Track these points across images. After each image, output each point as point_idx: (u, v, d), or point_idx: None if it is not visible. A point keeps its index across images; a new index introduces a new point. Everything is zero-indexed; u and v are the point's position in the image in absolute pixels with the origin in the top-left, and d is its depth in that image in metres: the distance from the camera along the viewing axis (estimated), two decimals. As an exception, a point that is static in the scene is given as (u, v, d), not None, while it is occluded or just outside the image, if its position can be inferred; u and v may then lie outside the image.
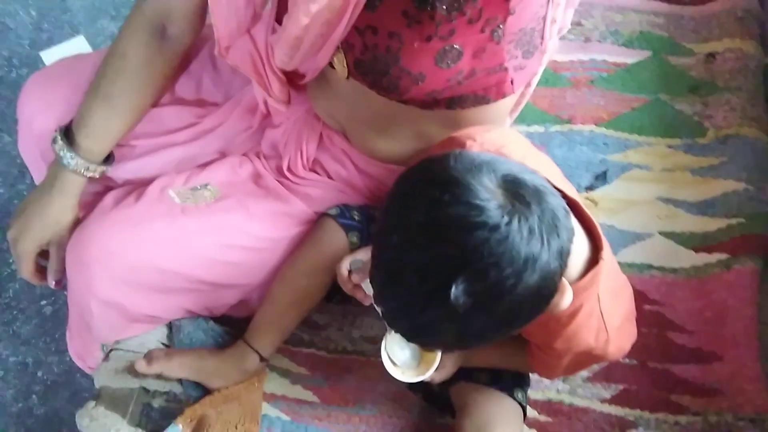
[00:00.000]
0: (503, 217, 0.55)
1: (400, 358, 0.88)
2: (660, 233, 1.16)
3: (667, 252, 1.14)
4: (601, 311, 0.74)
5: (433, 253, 0.56)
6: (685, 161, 1.21)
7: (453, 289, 0.55)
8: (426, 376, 0.86)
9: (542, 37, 0.78)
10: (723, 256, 1.11)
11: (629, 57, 1.30)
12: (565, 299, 0.63)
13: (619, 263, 1.12)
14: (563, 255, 0.60)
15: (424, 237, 0.57)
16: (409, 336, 0.66)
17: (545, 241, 0.57)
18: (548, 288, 0.60)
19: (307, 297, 0.97)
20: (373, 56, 0.73)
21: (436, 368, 0.87)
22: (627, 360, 1.06)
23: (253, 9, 0.78)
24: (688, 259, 1.13)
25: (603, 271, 0.71)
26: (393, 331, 0.88)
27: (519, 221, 0.56)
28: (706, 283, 1.10)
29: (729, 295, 1.08)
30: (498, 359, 0.94)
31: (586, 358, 0.80)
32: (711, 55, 1.29)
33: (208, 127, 0.97)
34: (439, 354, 0.86)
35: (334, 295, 1.03)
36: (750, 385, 1.01)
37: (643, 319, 1.08)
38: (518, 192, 0.57)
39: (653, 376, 1.06)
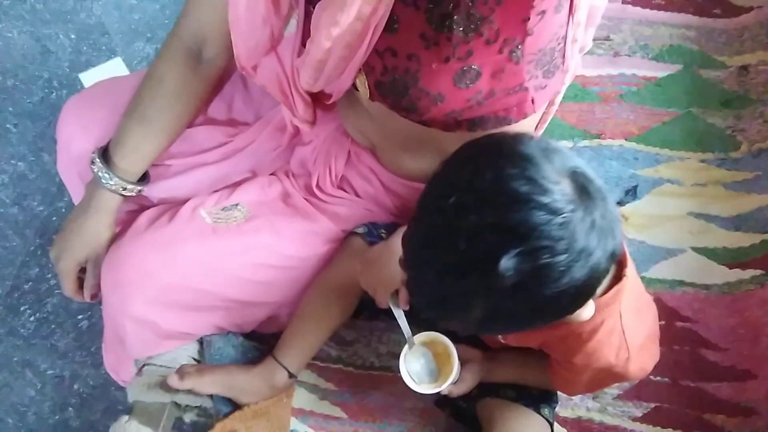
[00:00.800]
0: (567, 204, 0.55)
1: (418, 371, 0.89)
2: (692, 249, 1.14)
3: (699, 268, 1.13)
4: (623, 328, 0.74)
5: (490, 221, 0.55)
6: (718, 175, 1.19)
7: (503, 260, 0.53)
8: (443, 388, 0.87)
9: (563, 57, 0.78)
10: (757, 272, 1.09)
11: (659, 71, 1.29)
12: (587, 311, 0.63)
13: (651, 279, 1.12)
14: (614, 258, 0.60)
15: (486, 204, 0.56)
16: (434, 305, 0.63)
17: (603, 239, 0.57)
18: (589, 288, 0.60)
19: (335, 315, 0.98)
20: (392, 78, 0.74)
21: (455, 382, 0.87)
22: (659, 378, 1.05)
23: (270, 29, 0.79)
24: (721, 275, 1.11)
25: (626, 289, 0.70)
26: (412, 346, 0.88)
27: (583, 212, 0.56)
28: (740, 300, 1.08)
29: (763, 312, 1.06)
30: (519, 374, 0.94)
31: (607, 375, 0.79)
32: (744, 68, 1.27)
33: (239, 146, 0.99)
34: (456, 367, 0.86)
35: (362, 311, 1.04)
36: (786, 405, 0.99)
37: (675, 336, 1.08)
38: (585, 186, 0.58)
39: (686, 394, 1.04)
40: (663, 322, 1.08)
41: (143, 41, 1.55)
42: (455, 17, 0.66)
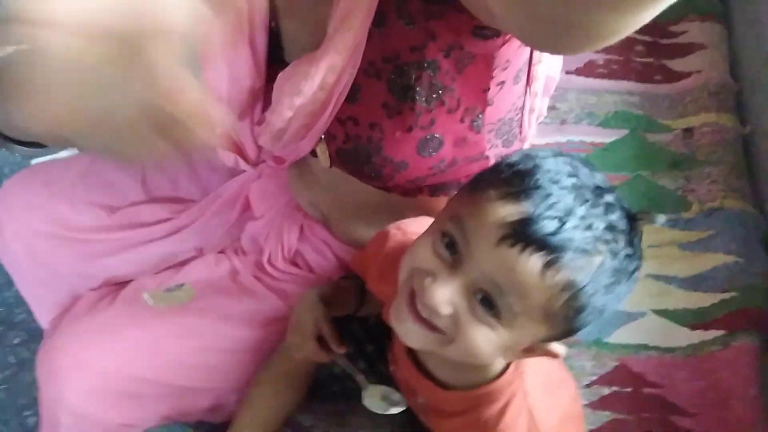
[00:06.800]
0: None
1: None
2: (653, 311, 1.12)
3: (662, 331, 1.11)
4: (530, 409, 0.69)
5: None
6: (672, 236, 1.19)
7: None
8: None
9: (521, 126, 0.79)
10: (719, 332, 1.08)
11: (606, 136, 1.31)
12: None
13: (614, 345, 1.09)
14: None
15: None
16: None
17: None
18: None
19: (287, 399, 0.93)
20: (355, 146, 0.74)
21: None
22: (630, 450, 1.01)
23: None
24: (684, 337, 1.09)
25: (527, 365, 0.68)
26: (366, 387, 0.82)
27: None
28: (705, 362, 1.06)
29: (730, 374, 1.03)
30: None
31: None
32: (688, 130, 1.30)
33: (185, 223, 0.97)
34: None
35: (317, 392, 0.99)
36: (761, 471, 0.96)
37: (643, 403, 1.04)
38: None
39: (659, 465, 1.00)
40: (630, 389, 1.05)
41: (99, 127, 1.55)
42: (417, 88, 0.67)
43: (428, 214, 0.82)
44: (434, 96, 0.68)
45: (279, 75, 0.69)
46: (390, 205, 0.83)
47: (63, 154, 1.48)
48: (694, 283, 1.14)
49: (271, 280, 0.97)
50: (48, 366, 0.86)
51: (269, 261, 0.97)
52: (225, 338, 0.90)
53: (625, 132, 1.31)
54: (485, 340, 0.59)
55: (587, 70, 1.40)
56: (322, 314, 0.81)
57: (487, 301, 0.58)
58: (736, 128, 1.29)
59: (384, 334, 0.88)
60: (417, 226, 0.78)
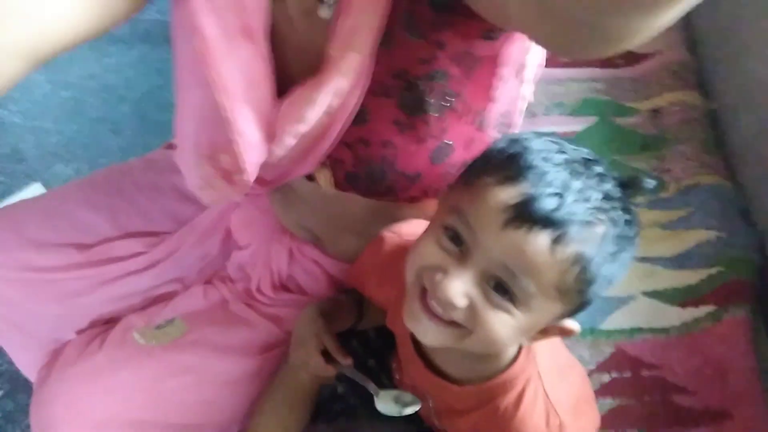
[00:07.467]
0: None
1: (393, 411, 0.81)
2: (643, 294, 1.13)
3: (654, 312, 1.11)
4: (546, 391, 0.69)
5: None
6: (653, 217, 1.20)
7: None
8: None
9: (512, 116, 0.80)
10: (710, 308, 1.09)
11: (577, 125, 1.32)
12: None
13: (609, 331, 1.10)
14: None
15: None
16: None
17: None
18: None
19: (290, 425, 0.91)
20: (368, 167, 0.72)
21: None
22: (635, 432, 1.01)
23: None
24: (676, 316, 1.10)
25: (537, 348, 0.68)
26: (378, 393, 0.80)
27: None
28: (700, 339, 1.07)
29: (725, 348, 1.05)
30: None
31: None
32: (655, 111, 1.32)
33: (161, 256, 0.95)
34: None
35: (319, 414, 0.97)
36: (767, 441, 0.97)
37: (643, 386, 1.05)
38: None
39: (666, 446, 1.00)
40: (629, 374, 1.06)
41: (63, 163, 1.51)
42: (431, 100, 0.66)
43: (428, 215, 0.81)
44: (445, 104, 0.68)
45: (285, 102, 0.66)
46: (387, 213, 0.81)
47: (29, 194, 1.44)
48: (679, 261, 1.15)
49: (263, 307, 0.95)
50: (42, 418, 0.83)
51: (258, 289, 0.95)
52: (222, 371, 0.88)
53: (594, 119, 1.32)
54: (504, 326, 0.59)
55: (550, 60, 1.41)
56: (323, 328, 0.81)
57: (501, 287, 0.58)
58: (702, 105, 1.31)
59: (385, 347, 0.87)
60: (411, 228, 0.78)
